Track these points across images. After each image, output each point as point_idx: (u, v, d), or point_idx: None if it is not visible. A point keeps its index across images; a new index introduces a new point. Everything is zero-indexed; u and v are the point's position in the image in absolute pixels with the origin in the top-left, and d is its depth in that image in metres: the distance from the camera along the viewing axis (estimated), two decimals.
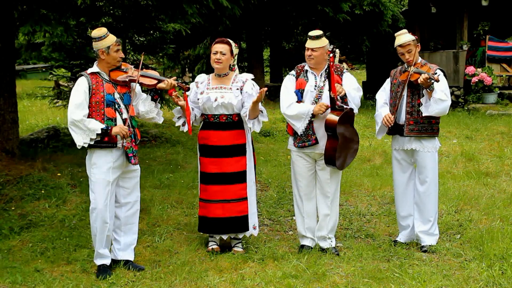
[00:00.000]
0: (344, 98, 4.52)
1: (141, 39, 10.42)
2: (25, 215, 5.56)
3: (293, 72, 4.77)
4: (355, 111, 4.59)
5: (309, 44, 4.58)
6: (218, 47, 4.67)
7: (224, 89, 4.70)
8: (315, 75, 4.65)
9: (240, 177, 4.76)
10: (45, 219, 5.51)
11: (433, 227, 4.83)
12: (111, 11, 9.22)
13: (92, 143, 4.17)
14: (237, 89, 4.69)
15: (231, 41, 4.73)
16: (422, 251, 4.73)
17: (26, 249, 4.87)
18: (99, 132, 4.10)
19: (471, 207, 5.96)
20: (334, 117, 4.41)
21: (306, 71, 4.68)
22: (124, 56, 4.41)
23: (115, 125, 4.21)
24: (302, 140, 4.62)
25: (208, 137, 4.71)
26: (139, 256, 4.70)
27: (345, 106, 4.48)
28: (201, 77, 4.83)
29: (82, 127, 4.11)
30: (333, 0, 13.09)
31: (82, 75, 4.29)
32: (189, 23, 7.72)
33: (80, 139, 4.13)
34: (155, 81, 4.42)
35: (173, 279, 4.20)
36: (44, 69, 22.93)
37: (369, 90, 17.08)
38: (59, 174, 6.74)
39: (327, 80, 4.55)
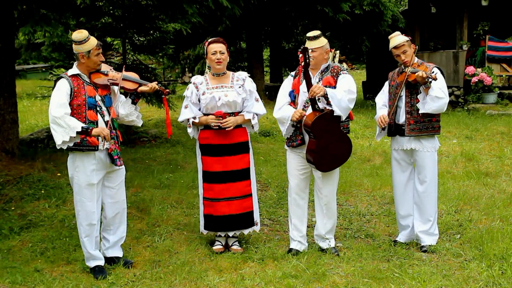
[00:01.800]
0: (328, 100, 4.42)
1: (141, 39, 10.42)
2: (25, 215, 5.56)
3: (293, 72, 4.80)
4: (338, 113, 4.42)
5: (308, 44, 4.56)
6: (216, 47, 4.67)
7: (225, 88, 4.72)
8: (311, 75, 4.65)
9: (244, 174, 4.81)
10: (45, 219, 5.52)
11: (433, 227, 4.83)
12: (111, 11, 9.22)
13: (71, 144, 4.09)
14: (239, 87, 4.74)
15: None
16: (422, 251, 4.73)
17: (26, 249, 4.87)
18: (79, 130, 4.01)
19: (471, 207, 5.96)
20: (310, 118, 4.41)
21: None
22: (104, 60, 4.35)
23: (97, 127, 4.17)
24: (291, 140, 4.68)
25: (211, 136, 4.71)
26: (139, 256, 4.70)
27: (327, 108, 4.44)
28: (198, 79, 4.80)
29: (62, 124, 4.01)
30: (333, 0, 13.09)
31: (62, 77, 4.22)
32: (190, 23, 7.73)
33: (60, 137, 4.01)
34: (137, 85, 4.41)
35: (173, 279, 4.20)
36: (44, 69, 22.94)
37: (369, 90, 17.08)
38: (59, 174, 6.74)
39: (321, 80, 4.58)
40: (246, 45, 17.16)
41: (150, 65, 12.41)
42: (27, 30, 6.45)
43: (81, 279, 4.24)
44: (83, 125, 4.07)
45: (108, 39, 10.32)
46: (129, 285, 4.14)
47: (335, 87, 4.53)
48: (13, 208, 5.71)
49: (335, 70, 4.63)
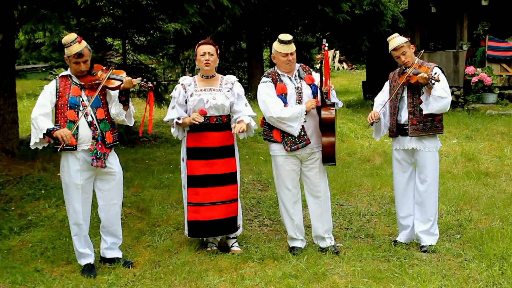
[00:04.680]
0: (327, 94, 4.57)
1: (141, 39, 10.42)
2: (25, 215, 5.56)
3: (268, 79, 4.70)
4: (340, 105, 4.71)
5: (286, 49, 4.59)
6: (205, 49, 4.64)
7: (214, 91, 4.69)
8: (289, 77, 4.68)
9: (231, 178, 4.76)
10: (45, 219, 5.52)
11: (433, 227, 4.83)
12: (111, 11, 9.22)
13: (45, 145, 4.20)
14: (228, 90, 4.72)
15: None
16: (422, 251, 4.72)
17: (26, 249, 4.87)
18: (45, 131, 4.08)
19: (471, 207, 5.96)
20: (330, 113, 4.47)
21: (279, 75, 4.70)
22: (84, 70, 4.28)
23: (77, 127, 4.18)
24: (295, 142, 4.61)
25: (198, 139, 4.68)
26: (139, 256, 4.70)
27: (332, 101, 4.57)
28: (187, 80, 4.74)
29: (35, 125, 4.14)
30: (333, 0, 13.09)
31: (54, 78, 4.35)
32: (190, 23, 7.73)
33: (33, 138, 4.16)
34: (119, 83, 4.32)
35: (173, 279, 4.20)
36: (44, 69, 22.94)
37: (369, 90, 17.07)
38: (59, 174, 6.69)
39: (302, 80, 4.68)
40: (246, 45, 17.15)
41: (150, 65, 12.41)
42: (29, 27, 6.46)
43: (81, 279, 4.24)
44: (49, 127, 4.11)
45: (108, 39, 10.33)
46: (129, 285, 4.14)
47: (315, 84, 4.68)
48: (13, 208, 5.71)
49: (307, 69, 4.79)
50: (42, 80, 20.59)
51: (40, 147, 4.23)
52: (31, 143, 4.19)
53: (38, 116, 4.13)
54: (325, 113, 4.49)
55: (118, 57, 10.40)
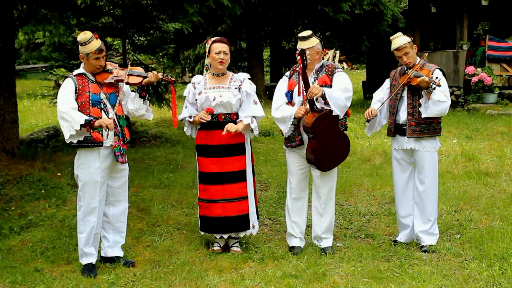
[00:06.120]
0: (326, 99, 4.45)
1: (141, 39, 10.41)
2: (25, 215, 5.56)
3: (287, 73, 4.82)
4: (336, 112, 4.47)
5: (300, 45, 4.57)
6: (220, 47, 4.65)
7: (222, 88, 4.70)
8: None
9: (240, 176, 4.76)
10: (45, 219, 5.51)
11: (433, 227, 4.84)
12: (111, 11, 9.22)
13: (81, 138, 4.16)
14: (236, 88, 4.70)
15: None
16: (422, 251, 4.73)
17: (26, 249, 4.87)
18: (83, 122, 4.07)
19: (471, 207, 5.96)
20: (309, 119, 4.42)
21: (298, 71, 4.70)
22: (103, 65, 4.34)
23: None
24: (290, 140, 4.70)
25: (207, 137, 4.71)
26: (139, 256, 4.70)
27: (325, 108, 4.46)
28: (197, 78, 4.81)
29: (68, 118, 4.10)
30: (333, 0, 13.11)
31: (68, 77, 4.32)
32: (190, 22, 7.74)
33: (67, 132, 4.12)
34: (141, 78, 4.43)
35: (173, 279, 4.20)
36: (44, 69, 22.96)
37: (369, 90, 17.08)
38: (59, 174, 6.74)
39: (316, 80, 4.59)
40: (246, 45, 17.16)
41: (150, 65, 12.40)
42: (29, 29, 6.45)
43: (81, 279, 4.24)
44: (87, 117, 4.13)
45: (108, 39, 10.33)
46: (129, 285, 4.14)
47: (331, 86, 4.54)
48: (13, 208, 5.71)
49: (330, 69, 4.65)
50: (42, 80, 20.60)
51: (75, 141, 4.17)
52: (66, 137, 4.14)
53: (69, 109, 4.12)
54: (305, 118, 4.46)
55: (118, 57, 10.38)
